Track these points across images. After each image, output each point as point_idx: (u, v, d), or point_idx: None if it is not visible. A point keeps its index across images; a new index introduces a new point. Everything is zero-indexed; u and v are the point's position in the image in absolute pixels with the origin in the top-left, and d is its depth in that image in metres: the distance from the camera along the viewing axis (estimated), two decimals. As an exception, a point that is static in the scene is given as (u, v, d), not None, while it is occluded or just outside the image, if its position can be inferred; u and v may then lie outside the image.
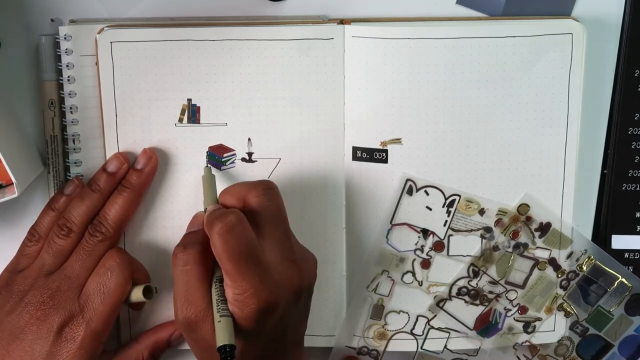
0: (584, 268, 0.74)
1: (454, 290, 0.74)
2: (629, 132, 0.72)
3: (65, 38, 0.68)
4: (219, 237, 0.61)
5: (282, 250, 0.63)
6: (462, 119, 0.70)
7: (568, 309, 0.75)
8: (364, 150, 0.70)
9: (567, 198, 0.72)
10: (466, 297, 0.74)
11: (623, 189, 0.74)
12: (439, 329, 0.75)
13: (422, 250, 0.73)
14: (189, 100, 0.70)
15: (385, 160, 0.71)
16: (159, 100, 0.70)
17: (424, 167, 0.71)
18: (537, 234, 0.73)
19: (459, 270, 0.73)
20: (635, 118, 0.72)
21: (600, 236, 0.75)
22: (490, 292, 0.74)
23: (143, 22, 0.70)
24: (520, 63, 0.69)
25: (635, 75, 0.71)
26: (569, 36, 0.69)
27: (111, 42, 0.68)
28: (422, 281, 0.74)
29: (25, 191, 0.69)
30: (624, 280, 0.75)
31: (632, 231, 0.74)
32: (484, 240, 0.73)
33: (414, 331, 0.75)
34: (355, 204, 0.72)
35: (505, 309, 0.75)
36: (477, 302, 0.74)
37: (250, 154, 0.71)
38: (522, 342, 0.76)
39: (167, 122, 0.70)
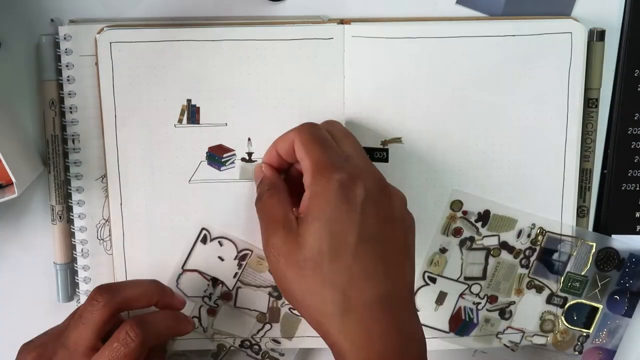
0: (539, 241, 0.74)
1: (237, 342, 0.74)
2: (629, 132, 0.72)
3: (65, 38, 0.68)
4: (307, 129, 0.64)
5: (361, 153, 0.65)
6: (462, 117, 0.70)
7: (539, 285, 0.74)
8: (364, 149, 0.70)
9: (567, 198, 0.72)
10: (248, 350, 0.74)
11: (623, 189, 0.74)
12: None
13: (209, 298, 0.73)
14: (189, 100, 0.70)
15: (386, 160, 0.71)
16: (159, 100, 0.70)
17: (424, 166, 0.71)
18: (478, 224, 0.73)
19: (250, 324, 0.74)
20: (635, 118, 0.72)
21: (600, 236, 0.75)
22: (272, 350, 0.75)
23: (143, 22, 0.69)
24: (521, 62, 0.69)
25: (635, 75, 0.71)
26: (568, 35, 0.69)
27: (110, 43, 0.68)
28: (207, 328, 0.74)
29: (25, 191, 0.69)
30: (584, 240, 0.74)
31: (632, 231, 0.74)
32: (271, 299, 0.73)
33: None
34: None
35: (474, 303, 0.75)
36: (259, 357, 0.75)
37: (250, 154, 0.71)
38: (504, 330, 0.75)
39: (167, 123, 0.70)
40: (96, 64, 0.69)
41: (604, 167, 0.74)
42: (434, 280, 0.74)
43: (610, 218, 0.74)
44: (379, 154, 0.70)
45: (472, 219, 0.73)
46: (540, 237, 0.73)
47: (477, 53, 0.69)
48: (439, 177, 0.71)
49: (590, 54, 0.70)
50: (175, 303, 0.69)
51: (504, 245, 0.73)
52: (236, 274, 0.73)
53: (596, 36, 0.70)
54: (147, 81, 0.69)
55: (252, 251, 0.72)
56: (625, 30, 0.71)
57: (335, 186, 0.60)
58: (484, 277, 0.74)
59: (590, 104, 0.71)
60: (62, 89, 0.69)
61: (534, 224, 0.73)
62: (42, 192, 0.73)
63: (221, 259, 0.73)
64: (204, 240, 0.72)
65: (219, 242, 0.72)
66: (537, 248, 0.74)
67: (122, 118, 0.70)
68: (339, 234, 0.59)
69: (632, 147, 0.73)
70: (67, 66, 0.69)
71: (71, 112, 0.70)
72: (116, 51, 0.68)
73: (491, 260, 0.74)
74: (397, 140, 0.70)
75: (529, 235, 0.73)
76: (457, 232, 0.73)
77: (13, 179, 0.65)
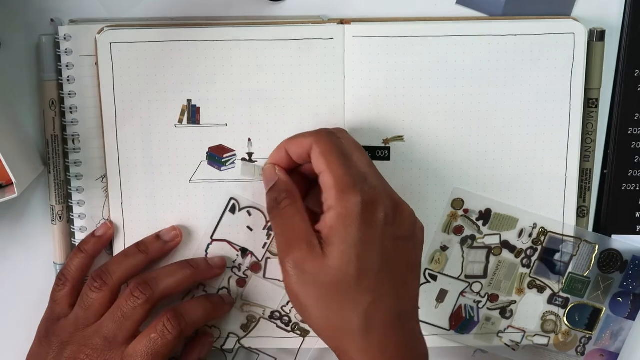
0: (541, 240, 0.73)
1: (267, 314, 0.74)
2: (629, 132, 0.72)
3: (65, 38, 0.68)
4: (327, 138, 0.63)
5: (374, 169, 0.64)
6: (463, 116, 0.70)
7: (540, 285, 0.74)
8: (366, 148, 0.70)
9: (569, 198, 0.72)
10: (278, 322, 0.74)
11: (623, 189, 0.74)
12: (248, 349, 0.75)
13: (239, 269, 0.73)
14: (189, 101, 0.70)
15: (387, 158, 0.71)
16: (159, 101, 0.70)
17: (425, 164, 0.71)
18: (479, 222, 0.73)
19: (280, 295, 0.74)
20: (635, 118, 0.72)
21: (600, 236, 0.75)
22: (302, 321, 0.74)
23: (143, 23, 0.69)
24: (521, 62, 0.69)
25: (635, 75, 0.71)
26: (570, 36, 0.69)
27: (111, 43, 0.68)
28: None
29: (25, 191, 0.69)
30: (586, 241, 0.74)
31: (632, 231, 0.74)
32: None
33: (224, 347, 0.75)
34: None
35: (475, 301, 0.74)
36: (289, 328, 0.74)
37: (250, 154, 0.71)
38: (505, 329, 0.75)
39: (167, 123, 0.70)
40: (96, 64, 0.69)
41: (604, 167, 0.74)
42: (434, 278, 0.74)
43: (610, 218, 0.74)
44: (380, 152, 0.70)
45: (473, 218, 0.73)
46: (542, 237, 0.73)
47: (477, 53, 0.69)
48: (440, 175, 0.71)
49: (590, 54, 0.70)
50: (214, 272, 0.71)
51: (505, 244, 0.73)
52: (265, 244, 0.73)
53: (596, 36, 0.70)
54: (147, 81, 0.69)
55: None
56: (625, 30, 0.71)
57: (359, 209, 0.60)
58: (484, 276, 0.74)
59: (590, 104, 0.71)
60: (62, 89, 0.69)
61: (535, 224, 0.73)
62: (42, 192, 0.73)
63: (250, 229, 0.72)
64: (233, 210, 0.72)
65: (247, 211, 0.72)
66: (539, 248, 0.73)
67: (122, 118, 0.70)
68: (363, 257, 0.60)
69: (632, 147, 0.73)
70: (67, 66, 0.69)
71: (71, 112, 0.70)
72: (116, 51, 0.68)
73: (492, 258, 0.73)
74: (399, 138, 0.70)
75: (530, 235, 0.73)
76: (458, 230, 0.73)
77: (13, 179, 0.65)
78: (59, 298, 0.69)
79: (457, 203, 0.72)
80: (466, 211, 0.73)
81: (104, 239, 0.71)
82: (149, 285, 0.67)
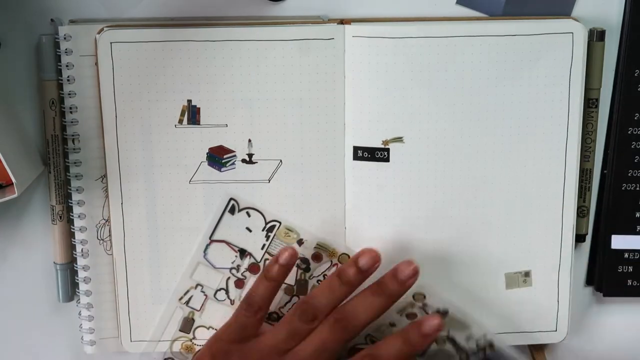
0: (486, 350, 0.72)
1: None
2: (629, 132, 0.72)
3: (65, 38, 0.68)
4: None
5: None
6: (462, 116, 0.70)
7: None
8: (365, 149, 0.70)
9: (568, 198, 0.72)
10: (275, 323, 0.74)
11: (623, 189, 0.74)
12: None
13: (237, 270, 0.73)
14: (189, 101, 0.70)
15: (387, 159, 0.71)
16: (159, 101, 0.70)
17: (425, 165, 0.71)
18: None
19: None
20: (635, 118, 0.72)
21: (600, 236, 0.75)
22: None
23: (143, 22, 0.69)
24: (521, 62, 0.69)
25: (635, 75, 0.71)
26: (569, 35, 0.69)
27: (111, 43, 0.68)
28: (234, 300, 0.74)
29: (25, 191, 0.69)
30: None
31: (632, 231, 0.74)
32: (299, 271, 0.73)
33: None
34: (357, 204, 0.72)
35: None
36: None
37: (250, 155, 0.71)
38: None
39: (167, 123, 0.70)
40: (96, 64, 0.69)
41: (604, 167, 0.74)
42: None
43: (610, 218, 0.74)
44: (380, 153, 0.70)
45: (430, 312, 0.72)
46: (486, 345, 0.72)
47: (477, 53, 0.69)
48: (440, 176, 0.71)
49: (590, 54, 0.70)
50: (406, 287, 0.69)
51: (451, 339, 0.72)
52: (264, 245, 0.73)
53: (596, 36, 0.70)
54: (147, 81, 0.69)
55: (280, 222, 0.72)
56: (625, 30, 0.71)
57: None
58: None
59: (590, 104, 0.71)
60: (62, 89, 0.69)
61: (484, 334, 0.72)
62: (42, 192, 0.73)
63: (249, 230, 0.73)
64: (232, 211, 0.72)
65: (246, 212, 0.72)
66: (481, 354, 0.73)
67: (122, 118, 0.70)
68: None
69: (632, 147, 0.73)
70: (67, 66, 0.69)
71: (71, 112, 0.70)
72: (116, 51, 0.68)
73: (433, 345, 0.72)
74: (398, 139, 0.70)
75: (477, 342, 0.72)
76: (410, 317, 0.72)
77: (13, 179, 0.65)
78: (250, 323, 0.69)
79: (418, 297, 0.72)
80: (424, 305, 0.72)
81: (289, 266, 0.69)
82: (350, 322, 0.67)
